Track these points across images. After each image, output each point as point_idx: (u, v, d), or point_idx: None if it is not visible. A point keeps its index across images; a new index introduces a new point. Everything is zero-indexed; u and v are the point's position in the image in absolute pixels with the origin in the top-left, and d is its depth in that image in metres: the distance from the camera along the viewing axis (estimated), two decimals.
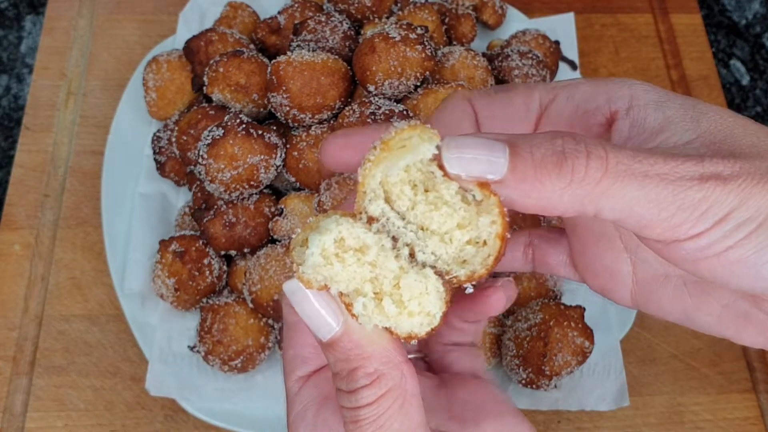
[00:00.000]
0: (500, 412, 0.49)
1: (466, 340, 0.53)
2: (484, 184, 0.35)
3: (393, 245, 0.37)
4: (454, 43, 1.00)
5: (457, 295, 0.45)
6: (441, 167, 0.35)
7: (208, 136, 0.85)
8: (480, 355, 0.54)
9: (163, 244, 0.88)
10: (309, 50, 0.89)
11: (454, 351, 0.53)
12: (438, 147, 0.35)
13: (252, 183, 0.85)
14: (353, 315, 0.37)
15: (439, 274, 0.37)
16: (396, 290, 0.37)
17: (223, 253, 0.88)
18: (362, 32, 0.97)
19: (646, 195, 0.33)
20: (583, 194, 0.33)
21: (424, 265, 0.37)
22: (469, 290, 0.38)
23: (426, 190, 0.37)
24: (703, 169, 0.33)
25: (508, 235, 0.36)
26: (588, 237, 0.49)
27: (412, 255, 0.37)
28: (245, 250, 0.88)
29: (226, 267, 0.91)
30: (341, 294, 0.38)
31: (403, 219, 0.37)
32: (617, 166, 0.33)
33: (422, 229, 0.37)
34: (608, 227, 0.47)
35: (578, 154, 0.33)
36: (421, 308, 0.37)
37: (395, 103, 0.85)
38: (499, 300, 0.47)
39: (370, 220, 0.37)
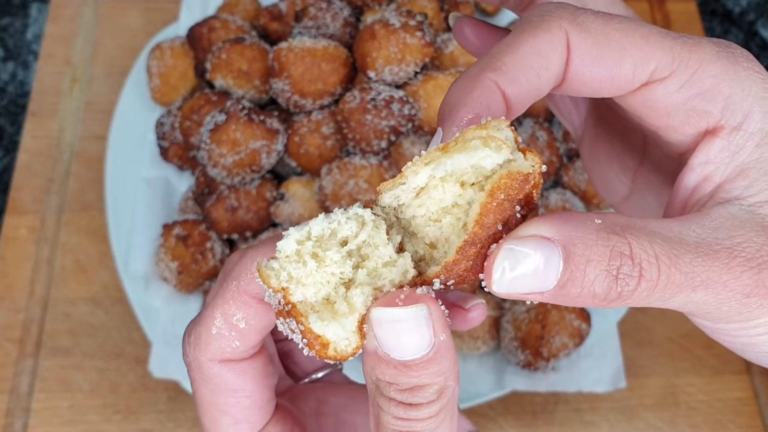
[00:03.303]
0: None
1: None
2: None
3: (387, 231, 0.35)
4: None
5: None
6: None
7: (210, 121, 0.86)
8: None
9: (167, 228, 0.89)
10: (310, 37, 0.90)
11: None
12: (506, 160, 0.33)
13: (254, 168, 0.86)
14: (309, 329, 0.33)
15: (419, 271, 0.36)
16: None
17: (225, 236, 0.89)
18: (362, 19, 0.97)
19: (691, 301, 0.33)
20: (623, 305, 0.33)
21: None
22: (436, 286, 0.34)
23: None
24: (750, 283, 0.33)
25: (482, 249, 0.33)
26: (601, 151, 0.48)
27: (401, 248, 0.36)
28: (247, 234, 0.89)
29: (228, 250, 0.91)
30: (293, 307, 0.34)
31: (398, 219, 0.36)
32: (665, 287, 0.32)
33: (410, 234, 0.36)
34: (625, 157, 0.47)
35: (630, 279, 0.31)
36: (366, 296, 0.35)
37: (396, 89, 0.86)
38: (479, 316, 0.44)
39: (368, 204, 0.36)
